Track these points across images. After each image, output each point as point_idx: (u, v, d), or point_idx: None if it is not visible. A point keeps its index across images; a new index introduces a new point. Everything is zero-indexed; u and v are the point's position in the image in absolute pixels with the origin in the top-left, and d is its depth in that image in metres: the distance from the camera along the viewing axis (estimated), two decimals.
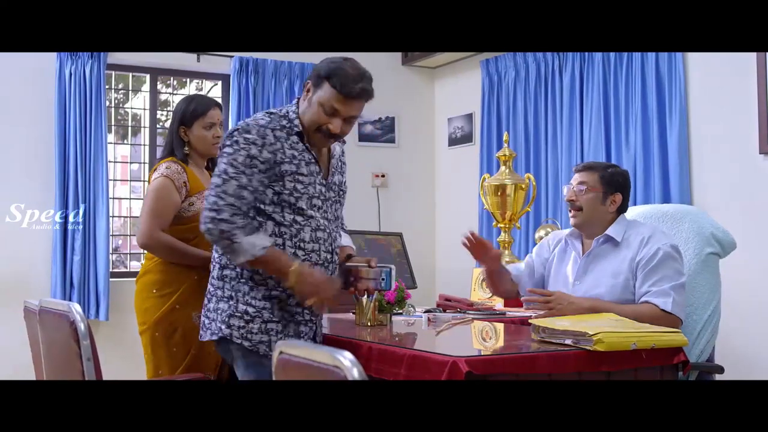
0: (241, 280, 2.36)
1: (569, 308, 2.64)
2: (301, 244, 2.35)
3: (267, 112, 2.40)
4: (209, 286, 2.46)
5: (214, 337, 2.39)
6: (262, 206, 2.33)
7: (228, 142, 2.33)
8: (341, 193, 2.53)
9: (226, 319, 2.36)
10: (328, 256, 2.42)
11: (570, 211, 2.84)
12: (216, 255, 2.44)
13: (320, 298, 2.30)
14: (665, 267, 2.66)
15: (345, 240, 2.61)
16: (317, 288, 2.29)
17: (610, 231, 2.78)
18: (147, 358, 2.88)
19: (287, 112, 2.41)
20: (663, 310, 2.61)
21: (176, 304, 2.83)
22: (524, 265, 3.05)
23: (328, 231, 2.41)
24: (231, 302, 2.36)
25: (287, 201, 2.33)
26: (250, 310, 2.35)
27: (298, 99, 2.44)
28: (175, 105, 3.05)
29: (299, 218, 2.35)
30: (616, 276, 2.72)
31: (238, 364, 2.39)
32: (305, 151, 2.38)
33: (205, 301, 2.46)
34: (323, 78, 2.32)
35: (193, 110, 2.94)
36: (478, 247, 2.91)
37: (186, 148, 2.95)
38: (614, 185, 2.82)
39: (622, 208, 2.85)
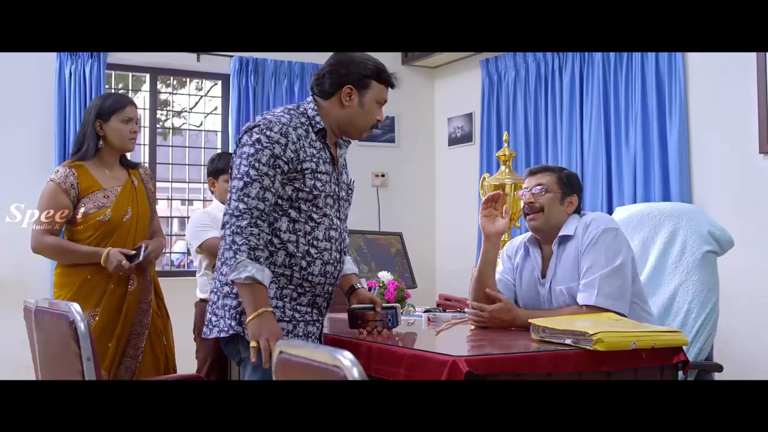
0: None
1: (497, 324, 2.62)
2: (315, 242, 2.32)
3: (286, 109, 2.37)
4: (215, 281, 2.36)
5: (223, 335, 2.30)
6: (279, 201, 2.29)
7: (249, 141, 2.27)
8: (350, 192, 2.52)
9: (237, 316, 2.27)
10: (338, 256, 2.40)
11: (528, 215, 2.74)
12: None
13: (267, 346, 2.18)
14: (593, 253, 2.60)
15: (348, 265, 2.56)
16: (269, 336, 2.19)
17: (564, 231, 2.71)
18: None
19: (305, 110, 2.39)
20: (584, 305, 2.55)
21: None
22: (500, 284, 2.87)
23: (339, 230, 2.41)
24: (240, 299, 2.26)
25: (305, 198, 2.30)
26: None
27: (314, 97, 2.42)
28: (91, 103, 3.08)
29: (315, 216, 2.32)
30: (574, 268, 2.65)
31: (245, 363, 2.31)
32: (323, 149, 2.37)
33: (214, 298, 2.36)
34: (369, 78, 2.38)
35: (111, 104, 2.98)
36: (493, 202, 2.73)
37: (100, 143, 2.98)
38: (570, 186, 2.75)
39: (577, 211, 2.76)
